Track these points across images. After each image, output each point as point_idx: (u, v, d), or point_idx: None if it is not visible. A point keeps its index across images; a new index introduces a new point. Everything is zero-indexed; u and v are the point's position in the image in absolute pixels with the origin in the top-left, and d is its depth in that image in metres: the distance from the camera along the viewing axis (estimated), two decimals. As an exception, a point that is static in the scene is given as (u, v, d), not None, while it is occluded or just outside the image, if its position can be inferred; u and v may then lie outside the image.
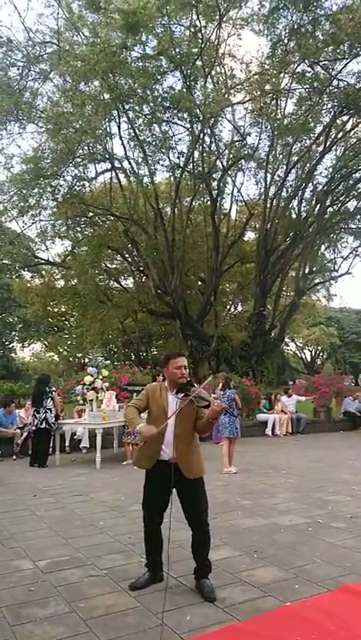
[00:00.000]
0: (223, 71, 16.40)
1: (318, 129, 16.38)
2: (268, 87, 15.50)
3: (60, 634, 2.93)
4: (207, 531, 3.50)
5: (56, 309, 25.01)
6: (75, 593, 3.48)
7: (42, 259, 20.76)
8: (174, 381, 3.49)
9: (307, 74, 15.20)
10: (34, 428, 9.04)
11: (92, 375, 9.29)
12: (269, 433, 12.50)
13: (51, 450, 9.27)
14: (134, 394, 8.97)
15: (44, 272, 23.15)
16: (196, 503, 3.47)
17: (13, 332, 34.99)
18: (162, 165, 17.16)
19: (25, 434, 9.76)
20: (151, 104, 14.70)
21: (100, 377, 9.40)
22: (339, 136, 16.85)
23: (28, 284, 23.55)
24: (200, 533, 3.48)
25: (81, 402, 9.60)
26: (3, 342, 34.06)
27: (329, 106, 15.60)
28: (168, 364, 3.55)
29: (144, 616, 3.14)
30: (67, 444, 10.11)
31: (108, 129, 15.74)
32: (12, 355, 35.66)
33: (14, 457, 9.57)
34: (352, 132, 17.16)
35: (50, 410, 8.87)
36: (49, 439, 9.02)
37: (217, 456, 7.97)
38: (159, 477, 3.41)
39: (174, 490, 3.45)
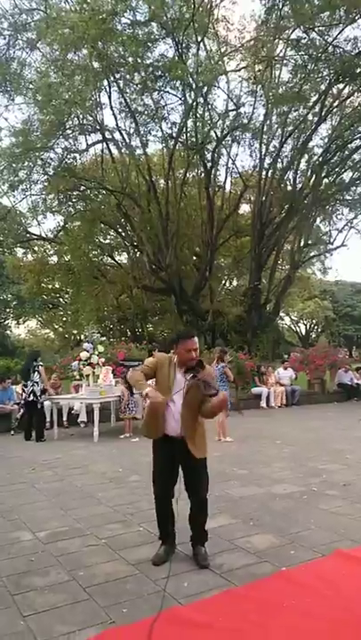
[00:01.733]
0: (216, 38, 15.96)
1: (314, 98, 16.06)
2: (262, 54, 15.12)
3: (61, 601, 2.98)
4: (205, 505, 3.55)
5: (50, 286, 24.89)
6: (74, 562, 3.54)
7: (34, 234, 20.55)
8: (184, 362, 3.43)
9: (302, 40, 14.82)
10: (23, 401, 9.22)
11: (87, 351, 9.31)
12: (264, 405, 12.63)
13: (48, 424, 9.40)
14: (130, 369, 9.00)
15: (36, 248, 22.91)
16: (197, 482, 3.49)
17: (8, 309, 34.87)
18: (154, 136, 16.90)
19: (22, 409, 9.82)
20: (142, 73, 14.32)
21: (96, 353, 9.43)
22: (334, 105, 16.54)
23: (21, 262, 23.34)
24: (198, 507, 3.53)
25: (78, 377, 9.63)
26: (-2, 319, 33.97)
27: (325, 73, 15.24)
28: (178, 345, 3.44)
29: (143, 583, 3.20)
30: (64, 418, 10.19)
31: (98, 99, 15.41)
32: (8, 332, 35.62)
33: (12, 432, 9.65)
34: (348, 100, 16.85)
35: (37, 383, 8.96)
36: (40, 412, 9.11)
37: (211, 428, 8.04)
38: (167, 451, 3.42)
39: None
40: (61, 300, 27.21)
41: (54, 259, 22.67)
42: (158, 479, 3.57)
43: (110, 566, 3.47)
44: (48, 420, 9.52)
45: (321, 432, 9.14)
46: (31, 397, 8.96)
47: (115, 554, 3.68)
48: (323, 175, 17.74)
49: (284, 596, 2.97)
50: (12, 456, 7.59)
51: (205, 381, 3.30)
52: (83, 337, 10.38)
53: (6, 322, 35.48)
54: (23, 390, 9.24)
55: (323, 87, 15.72)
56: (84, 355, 9.21)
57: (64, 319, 27.51)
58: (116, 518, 4.48)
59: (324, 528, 4.04)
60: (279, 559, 3.47)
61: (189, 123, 16.03)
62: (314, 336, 43.21)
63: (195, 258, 21.27)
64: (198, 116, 16.15)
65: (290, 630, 2.62)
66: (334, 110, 16.83)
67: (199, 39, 14.59)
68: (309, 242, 19.46)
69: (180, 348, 3.43)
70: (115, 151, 17.20)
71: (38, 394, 8.98)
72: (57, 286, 25.14)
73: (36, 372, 9.02)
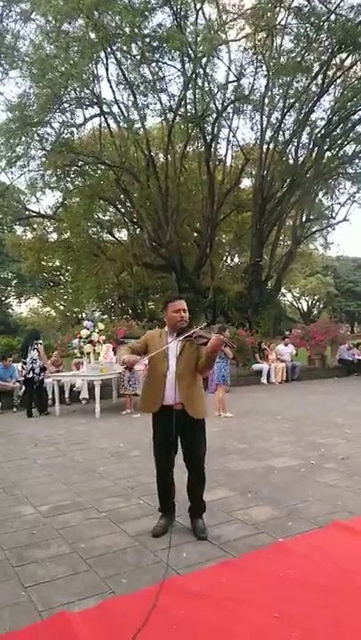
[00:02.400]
0: (216, 5, 15.47)
1: (316, 68, 15.65)
2: (263, 23, 14.67)
3: (62, 572, 3.04)
4: (203, 472, 3.57)
5: (50, 264, 24.73)
6: (75, 535, 3.60)
7: (33, 211, 20.34)
8: (174, 325, 3.47)
9: (304, 8, 14.37)
10: (22, 378, 9.33)
11: (88, 329, 9.32)
12: (265, 381, 12.69)
13: (50, 401, 9.48)
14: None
15: (35, 225, 22.71)
16: (196, 444, 3.52)
17: (9, 288, 34.84)
18: (152, 110, 16.53)
19: (24, 387, 9.90)
20: (140, 44, 13.93)
21: (97, 330, 9.43)
22: (337, 76, 16.12)
23: (21, 239, 23.17)
24: (197, 474, 3.55)
25: (78, 355, 9.66)
26: (-1, 298, 33.99)
27: (327, 43, 14.81)
28: (167, 308, 3.54)
29: (142, 554, 3.25)
30: (66, 395, 10.29)
31: (96, 72, 15.04)
32: (9, 310, 35.68)
33: (15, 409, 9.74)
34: (351, 70, 16.41)
35: (35, 360, 9.09)
36: (40, 388, 9.26)
37: (211, 404, 8.10)
38: (166, 422, 3.42)
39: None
40: (62, 277, 27.10)
41: (54, 236, 22.49)
42: (159, 451, 3.59)
43: (110, 538, 3.52)
44: (50, 397, 9.60)
45: (321, 407, 9.19)
46: (30, 374, 9.10)
47: (115, 526, 3.73)
48: (325, 148, 17.39)
49: (281, 566, 3.02)
50: (15, 432, 7.68)
51: (198, 335, 3.33)
52: (84, 315, 10.35)
53: (7, 300, 35.53)
54: (23, 368, 9.38)
55: (325, 57, 15.29)
56: (84, 332, 9.22)
57: (65, 297, 27.44)
58: (116, 492, 4.54)
59: (322, 500, 4.09)
60: (277, 531, 3.52)
61: (189, 94, 15.66)
62: (316, 312, 43.12)
63: (195, 234, 21.06)
64: (198, 87, 15.78)
65: (289, 599, 2.67)
66: (337, 81, 16.40)
67: (198, 7, 14.15)
68: (311, 216, 19.23)
69: (170, 310, 3.50)
70: (113, 125, 16.87)
71: (37, 371, 9.11)
72: (57, 264, 24.99)
73: (35, 350, 9.15)
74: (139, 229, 18.35)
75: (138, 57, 14.52)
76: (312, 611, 2.55)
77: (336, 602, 2.64)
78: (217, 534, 3.48)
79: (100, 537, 3.55)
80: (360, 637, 2.32)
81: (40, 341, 9.49)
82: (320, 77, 15.80)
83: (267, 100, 16.48)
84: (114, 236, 22.14)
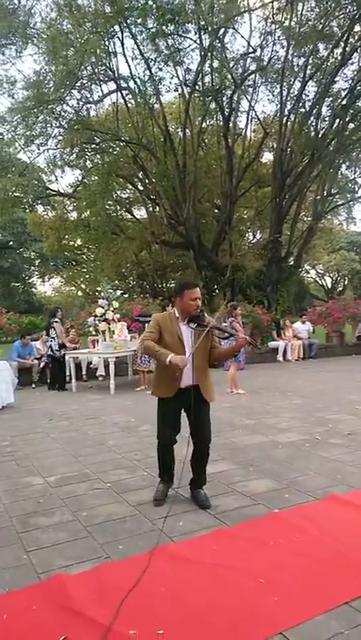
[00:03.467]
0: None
1: (336, 37, 15.06)
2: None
3: (63, 539, 3.19)
4: (208, 447, 3.68)
5: (71, 243, 24.92)
6: (79, 504, 3.75)
7: (53, 190, 20.43)
8: (187, 312, 3.48)
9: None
10: (50, 353, 9.68)
11: (102, 307, 9.45)
12: (281, 359, 12.67)
13: (68, 378, 9.71)
14: (146, 324, 9.14)
15: (56, 205, 22.85)
16: (204, 421, 3.62)
17: (32, 268, 35.37)
18: (169, 84, 16.26)
19: (42, 364, 10.17)
20: (154, 17, 13.64)
21: (111, 309, 9.55)
22: (359, 43, 15.50)
23: (42, 218, 23.35)
24: (202, 448, 3.66)
25: (94, 333, 9.83)
26: (23, 277, 34.53)
27: (348, 9, 14.21)
28: (183, 294, 3.48)
29: (141, 522, 3.38)
30: (83, 372, 10.53)
31: (112, 47, 14.84)
32: (33, 289, 36.27)
33: (33, 385, 10.02)
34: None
35: (53, 339, 9.53)
36: (60, 365, 9.60)
37: (224, 381, 8.19)
38: (175, 403, 3.52)
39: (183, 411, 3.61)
40: (84, 257, 27.32)
41: (74, 215, 22.58)
42: (166, 429, 3.66)
43: (112, 507, 3.66)
44: (68, 374, 9.83)
45: (334, 384, 9.16)
46: (49, 352, 9.55)
47: (118, 496, 3.87)
48: (347, 120, 16.88)
49: (273, 535, 3.10)
50: (32, 408, 7.91)
51: (216, 327, 3.42)
52: (100, 294, 10.51)
53: (31, 280, 36.10)
54: (45, 344, 9.86)
55: (347, 24, 14.70)
56: (99, 311, 9.37)
57: (87, 276, 27.70)
58: (123, 464, 4.68)
59: (322, 474, 4.14)
60: (273, 502, 3.59)
61: (206, 67, 15.34)
62: (340, 289, 42.40)
63: (216, 211, 20.86)
64: (216, 59, 15.42)
65: (277, 566, 2.75)
66: (359, 50, 15.78)
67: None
68: (333, 191, 18.79)
69: (185, 297, 3.48)
70: (130, 101, 16.68)
71: (55, 348, 9.47)
72: (79, 243, 25.17)
73: (52, 329, 9.48)
74: (157, 207, 18.28)
75: (153, 30, 14.21)
76: (297, 577, 2.63)
77: (323, 570, 2.71)
78: (214, 505, 3.58)
79: (102, 506, 3.69)
80: (339, 602, 2.39)
81: (56, 320, 9.71)
82: (342, 46, 15.24)
83: (287, 72, 16.01)
84: (132, 215, 22.13)
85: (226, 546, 2.99)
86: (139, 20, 14.07)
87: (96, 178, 18.48)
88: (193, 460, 3.72)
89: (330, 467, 4.32)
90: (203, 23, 13.73)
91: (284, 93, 16.52)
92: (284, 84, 16.31)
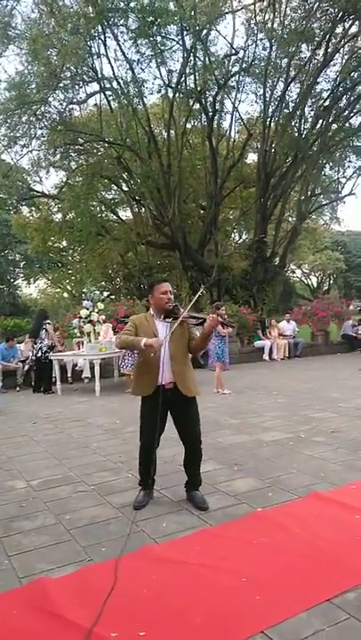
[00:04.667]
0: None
1: (318, 38, 15.20)
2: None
3: (45, 542, 3.16)
4: (200, 447, 3.67)
5: (56, 244, 24.75)
6: (62, 507, 3.73)
7: (37, 191, 20.29)
8: (161, 307, 3.53)
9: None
10: (34, 358, 9.61)
11: (87, 309, 9.41)
12: (267, 358, 12.73)
13: (53, 380, 9.64)
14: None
15: (40, 206, 22.68)
16: (191, 420, 3.61)
17: (17, 269, 35.05)
18: (152, 85, 16.26)
19: (27, 366, 10.08)
20: (135, 18, 13.62)
21: (96, 310, 9.51)
22: (341, 45, 15.66)
23: (26, 220, 23.16)
24: (193, 449, 3.64)
25: (78, 334, 9.78)
26: (7, 280, 34.20)
27: (329, 11, 14.35)
28: (153, 291, 3.59)
29: (125, 525, 3.35)
30: (69, 374, 10.45)
31: (97, 48, 14.78)
32: (18, 292, 35.94)
33: (18, 389, 9.93)
34: (356, 39, 15.90)
35: (42, 340, 9.52)
36: (47, 367, 9.54)
37: (210, 381, 8.20)
38: (157, 402, 3.49)
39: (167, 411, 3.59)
40: (69, 258, 27.14)
41: (59, 216, 22.44)
42: (147, 429, 3.65)
43: (96, 510, 3.64)
44: (53, 376, 9.75)
45: (319, 382, 9.23)
46: (39, 354, 9.46)
47: (102, 499, 3.85)
48: (330, 120, 17.04)
49: (255, 534, 3.11)
50: (16, 411, 7.84)
51: (190, 315, 3.47)
52: (83, 295, 10.50)
53: (16, 282, 35.77)
54: (33, 347, 9.74)
55: (328, 26, 14.84)
56: (83, 312, 9.32)
57: (72, 278, 27.53)
58: (107, 466, 4.66)
59: (305, 472, 4.16)
60: (256, 501, 3.60)
61: (188, 69, 15.36)
62: (326, 288, 42.79)
63: (202, 211, 20.88)
64: (198, 60, 15.45)
65: (259, 565, 2.75)
66: (341, 51, 15.95)
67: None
68: (317, 191, 18.95)
69: (156, 292, 3.56)
70: (114, 102, 16.63)
71: (44, 350, 9.44)
72: (64, 244, 25.00)
73: (44, 330, 9.51)
74: (142, 208, 18.25)
75: (136, 31, 14.19)
76: (279, 575, 2.64)
77: (305, 567, 2.72)
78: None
79: (85, 509, 3.67)
80: (321, 599, 2.40)
81: (49, 322, 9.78)
82: (323, 47, 15.39)
83: (270, 73, 16.11)
84: (117, 215, 22.05)
85: (209, 546, 2.99)
86: (120, 22, 14.05)
87: (80, 179, 18.39)
88: (185, 462, 3.71)
89: (313, 464, 4.35)
90: (185, 25, 13.74)
91: (268, 94, 16.64)
92: (268, 85, 16.41)
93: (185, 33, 14.37)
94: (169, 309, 3.51)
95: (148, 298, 3.74)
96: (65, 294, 30.38)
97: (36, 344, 9.66)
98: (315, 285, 43.56)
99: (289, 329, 13.71)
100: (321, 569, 2.70)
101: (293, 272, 38.27)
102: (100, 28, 14.15)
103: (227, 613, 2.33)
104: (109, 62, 15.43)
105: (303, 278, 43.10)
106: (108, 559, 2.89)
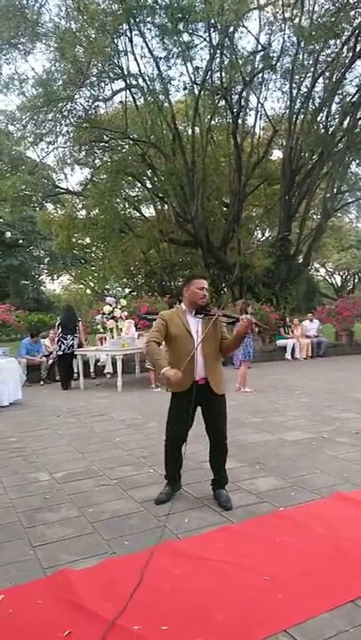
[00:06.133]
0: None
1: (347, 33, 14.93)
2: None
3: (69, 534, 3.21)
4: (226, 444, 3.68)
5: (80, 241, 24.96)
6: (85, 500, 3.77)
7: (62, 188, 20.48)
8: (194, 302, 3.54)
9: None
10: (61, 352, 9.44)
11: (110, 305, 9.47)
12: (289, 357, 12.62)
13: (75, 375, 9.76)
14: (153, 322, 9.17)
15: (65, 203, 22.91)
16: (221, 418, 3.63)
17: (42, 266, 35.55)
18: (178, 82, 16.22)
19: (51, 361, 10.20)
20: (162, 16, 13.59)
21: (119, 306, 9.58)
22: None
23: (51, 216, 23.41)
24: (220, 446, 3.66)
25: (102, 330, 9.86)
26: (32, 275, 34.71)
27: (358, 6, 14.07)
28: (190, 284, 3.59)
29: (146, 519, 3.39)
30: (91, 369, 10.56)
31: (122, 45, 14.81)
32: (42, 287, 36.45)
33: (42, 383, 10.07)
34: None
35: (76, 337, 9.52)
36: (70, 362, 9.63)
37: (231, 378, 8.16)
38: (188, 397, 3.49)
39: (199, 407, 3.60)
40: (93, 255, 27.37)
41: (83, 213, 22.60)
42: (177, 424, 3.64)
43: (118, 504, 3.67)
44: (76, 371, 9.86)
45: (343, 382, 9.11)
46: (70, 350, 9.40)
47: (124, 493, 3.89)
48: (357, 117, 16.75)
49: (277, 532, 3.09)
50: (40, 405, 7.95)
51: (223, 314, 3.50)
52: (107, 291, 10.62)
53: (40, 277, 36.29)
54: (63, 342, 9.39)
55: (358, 21, 14.57)
56: (106, 308, 9.39)
57: (95, 274, 27.76)
58: (129, 461, 4.69)
59: (328, 472, 4.12)
60: (279, 500, 3.59)
61: (215, 66, 15.28)
62: (350, 287, 42.14)
63: (224, 208, 20.79)
64: (225, 57, 15.34)
65: (282, 564, 2.74)
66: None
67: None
68: (343, 188, 18.66)
69: (192, 286, 3.56)
70: (139, 99, 16.67)
71: (76, 346, 9.50)
72: (88, 241, 25.20)
73: (77, 327, 9.61)
74: (165, 205, 18.26)
75: (162, 28, 14.16)
76: (302, 575, 2.62)
77: (328, 567, 2.70)
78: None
79: (108, 502, 3.71)
80: (344, 600, 2.38)
81: (80, 318, 9.93)
82: (352, 42, 15.11)
83: (296, 69, 15.92)
84: (141, 213, 22.12)
85: (231, 543, 2.99)
86: (148, 19, 14.04)
87: (105, 176, 18.49)
88: (211, 459, 3.73)
89: (336, 465, 4.30)
90: (212, 21, 13.66)
91: (294, 91, 16.44)
92: (294, 81, 16.22)
93: (212, 30, 14.29)
94: (202, 305, 3.54)
95: (181, 292, 3.73)
96: (88, 290, 30.64)
97: (66, 339, 9.39)
98: (339, 284, 42.93)
99: (312, 328, 13.56)
100: (345, 570, 2.67)
101: (317, 270, 37.81)
102: (126, 25, 14.19)
103: (249, 611, 2.32)
104: (135, 59, 15.40)
105: (327, 277, 42.53)
106: (130, 553, 2.92)
